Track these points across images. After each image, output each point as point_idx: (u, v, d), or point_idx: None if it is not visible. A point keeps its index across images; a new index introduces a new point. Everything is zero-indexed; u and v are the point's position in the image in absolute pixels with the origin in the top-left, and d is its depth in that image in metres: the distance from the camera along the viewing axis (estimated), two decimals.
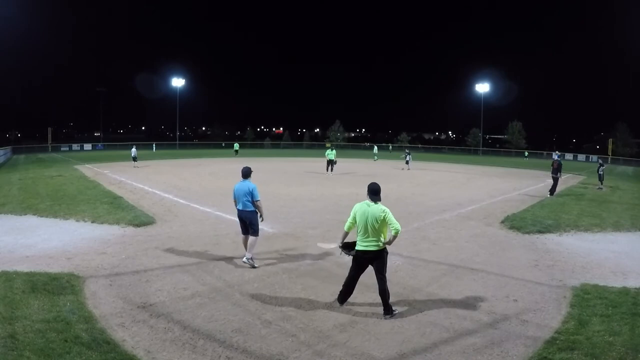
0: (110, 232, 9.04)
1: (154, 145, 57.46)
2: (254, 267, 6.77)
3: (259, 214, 6.94)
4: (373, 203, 5.15)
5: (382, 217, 5.02)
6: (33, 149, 52.31)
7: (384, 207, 5.11)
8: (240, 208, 6.93)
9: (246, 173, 7.06)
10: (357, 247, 5.20)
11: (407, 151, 31.13)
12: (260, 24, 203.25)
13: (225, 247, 8.14)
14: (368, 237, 5.09)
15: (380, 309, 5.18)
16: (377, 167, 31.52)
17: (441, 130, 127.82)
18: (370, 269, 5.29)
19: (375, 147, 45.40)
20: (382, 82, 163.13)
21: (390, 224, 5.03)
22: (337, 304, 5.40)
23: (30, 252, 7.47)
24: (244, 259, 6.86)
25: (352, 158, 42.43)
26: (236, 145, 45.31)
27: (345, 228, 5.38)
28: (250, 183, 6.96)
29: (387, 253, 5.24)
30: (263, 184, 18.91)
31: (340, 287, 5.46)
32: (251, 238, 6.90)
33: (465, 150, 70.65)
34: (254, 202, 6.84)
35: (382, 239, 5.11)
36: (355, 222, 5.23)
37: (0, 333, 4.24)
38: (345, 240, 5.44)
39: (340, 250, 5.49)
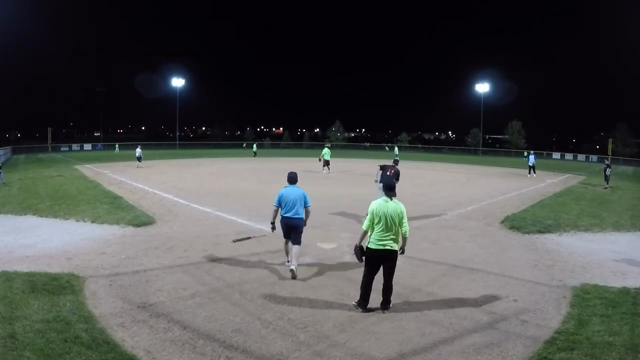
0: (110, 232, 9.04)
1: (117, 145, 53.23)
2: (295, 277, 6.35)
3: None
4: (390, 200, 5.20)
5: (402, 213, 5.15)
6: (33, 149, 52.18)
7: (402, 205, 5.24)
8: (291, 215, 6.54)
9: (293, 178, 6.79)
10: (372, 246, 5.12)
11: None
12: (261, 24, 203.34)
13: (225, 247, 8.14)
14: (388, 234, 5.08)
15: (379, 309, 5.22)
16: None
17: (441, 130, 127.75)
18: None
19: (397, 148, 45.78)
20: (382, 82, 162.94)
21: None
22: (359, 310, 5.25)
23: (30, 252, 7.47)
24: (292, 267, 6.39)
25: (352, 158, 42.43)
26: (254, 147, 44.53)
27: (365, 227, 5.25)
28: (300, 189, 6.67)
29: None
30: (263, 184, 18.92)
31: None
32: (296, 247, 6.55)
33: (465, 150, 70.57)
34: (305, 208, 6.63)
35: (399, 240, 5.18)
36: (374, 221, 5.12)
37: (0, 333, 4.25)
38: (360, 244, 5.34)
39: (356, 251, 5.37)
